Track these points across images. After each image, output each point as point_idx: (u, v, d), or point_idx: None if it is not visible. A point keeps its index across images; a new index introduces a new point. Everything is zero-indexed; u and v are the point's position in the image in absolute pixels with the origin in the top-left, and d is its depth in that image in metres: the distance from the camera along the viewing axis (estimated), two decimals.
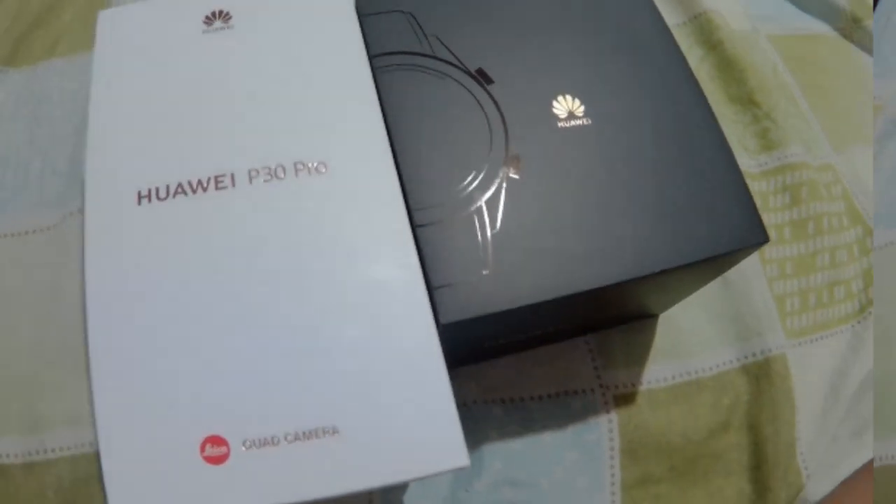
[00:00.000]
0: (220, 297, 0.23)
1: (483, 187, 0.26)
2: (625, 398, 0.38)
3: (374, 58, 0.28)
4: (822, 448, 0.39)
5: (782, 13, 0.56)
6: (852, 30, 0.56)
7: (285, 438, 0.21)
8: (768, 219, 0.44)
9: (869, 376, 0.41)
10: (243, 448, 0.21)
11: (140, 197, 0.24)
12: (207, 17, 0.27)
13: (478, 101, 0.28)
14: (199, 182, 0.24)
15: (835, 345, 0.42)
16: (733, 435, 0.38)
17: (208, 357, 0.22)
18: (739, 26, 0.52)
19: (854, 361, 0.41)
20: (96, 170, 0.25)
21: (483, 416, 0.37)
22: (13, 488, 0.34)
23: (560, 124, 0.28)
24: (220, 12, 0.28)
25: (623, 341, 0.40)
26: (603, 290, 0.26)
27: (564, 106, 0.28)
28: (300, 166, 0.25)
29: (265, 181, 0.24)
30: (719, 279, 0.42)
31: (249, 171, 0.24)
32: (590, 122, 0.28)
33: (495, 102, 0.28)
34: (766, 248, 0.43)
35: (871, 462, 0.38)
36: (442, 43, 0.29)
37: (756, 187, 0.45)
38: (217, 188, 0.24)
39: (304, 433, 0.21)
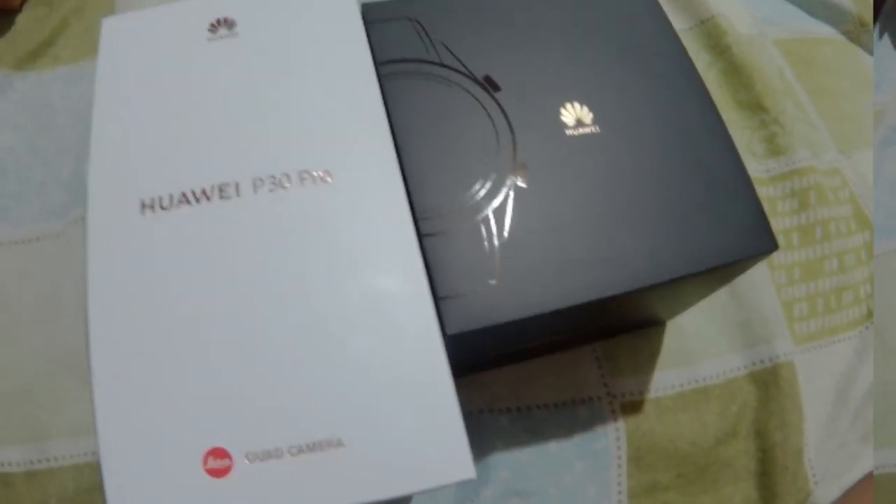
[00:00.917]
0: (223, 308, 0.22)
1: (490, 196, 0.26)
2: (632, 406, 0.38)
3: (381, 65, 0.28)
4: (830, 453, 0.39)
5: (789, 17, 0.56)
6: (859, 33, 0.55)
7: (289, 451, 0.21)
8: (776, 224, 0.44)
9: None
10: (246, 461, 0.21)
11: (143, 206, 0.24)
12: (212, 25, 0.27)
13: (485, 109, 0.28)
14: (203, 191, 0.24)
15: (843, 350, 0.42)
16: (741, 442, 0.38)
17: (211, 368, 0.22)
18: (746, 30, 0.52)
19: (862, 366, 0.41)
20: (99, 178, 0.24)
21: (490, 424, 0.37)
22: (15, 497, 0.34)
23: (568, 132, 0.28)
24: (225, 20, 0.27)
25: (630, 349, 0.39)
26: (610, 300, 0.25)
27: (572, 113, 0.28)
28: (305, 175, 0.24)
29: (270, 190, 0.24)
30: (727, 286, 0.41)
31: (254, 181, 0.24)
32: (598, 129, 0.28)
33: (502, 110, 0.28)
34: (775, 254, 0.43)
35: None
36: (449, 50, 0.29)
37: (764, 192, 0.45)
38: (221, 197, 0.24)
39: (308, 446, 0.21)
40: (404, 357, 0.22)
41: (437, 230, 0.25)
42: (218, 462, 0.21)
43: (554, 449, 0.37)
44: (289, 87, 0.26)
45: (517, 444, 0.37)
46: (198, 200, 0.24)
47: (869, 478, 0.38)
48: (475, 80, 0.28)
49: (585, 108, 0.28)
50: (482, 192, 0.26)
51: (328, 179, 0.24)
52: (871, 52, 0.55)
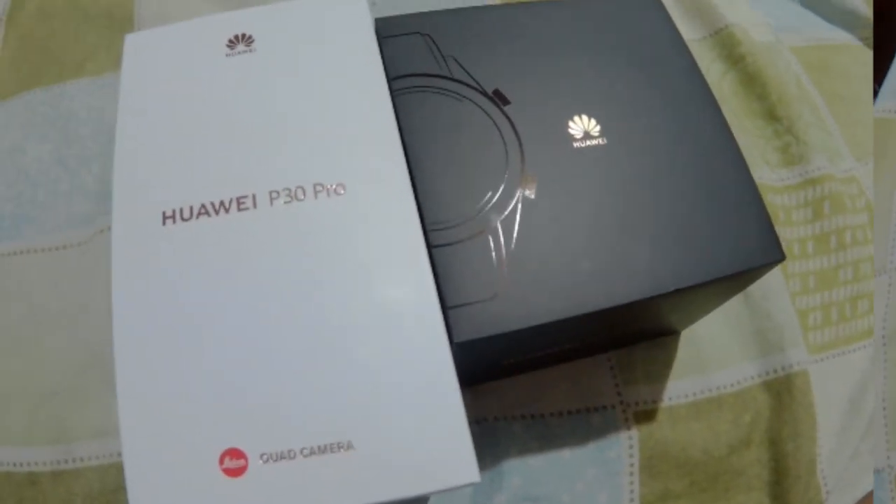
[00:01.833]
0: (240, 315, 0.23)
1: (499, 208, 0.27)
2: (645, 414, 0.38)
3: (393, 80, 0.29)
4: (843, 464, 0.39)
5: (805, 24, 0.56)
6: None
7: (301, 452, 0.22)
8: (791, 233, 0.44)
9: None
10: (261, 461, 0.21)
11: (165, 217, 0.25)
12: (230, 41, 0.28)
13: (494, 122, 0.28)
14: (222, 203, 0.25)
15: (857, 360, 0.42)
16: (754, 451, 0.38)
17: (229, 372, 0.22)
18: (762, 39, 0.52)
19: (876, 377, 0.41)
20: (123, 191, 0.25)
21: (503, 431, 0.38)
22: (41, 496, 0.35)
23: (576, 144, 0.28)
24: (243, 35, 0.28)
25: (644, 358, 0.40)
26: (617, 310, 0.26)
27: (580, 126, 0.29)
28: (319, 188, 0.25)
29: (285, 202, 0.25)
30: (741, 294, 0.42)
31: (270, 193, 0.25)
32: (605, 141, 0.28)
33: (511, 123, 0.28)
34: (789, 263, 0.43)
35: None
36: (459, 64, 0.30)
37: (779, 201, 0.45)
38: (239, 209, 0.25)
39: (319, 448, 0.22)
40: (413, 364, 0.23)
41: (447, 241, 0.26)
42: (234, 462, 0.21)
43: (567, 456, 0.37)
44: (304, 101, 0.27)
45: (530, 450, 0.37)
46: (217, 212, 0.25)
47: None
48: (485, 94, 0.29)
49: (593, 121, 0.29)
50: (491, 204, 0.27)
51: (341, 192, 0.25)
52: None
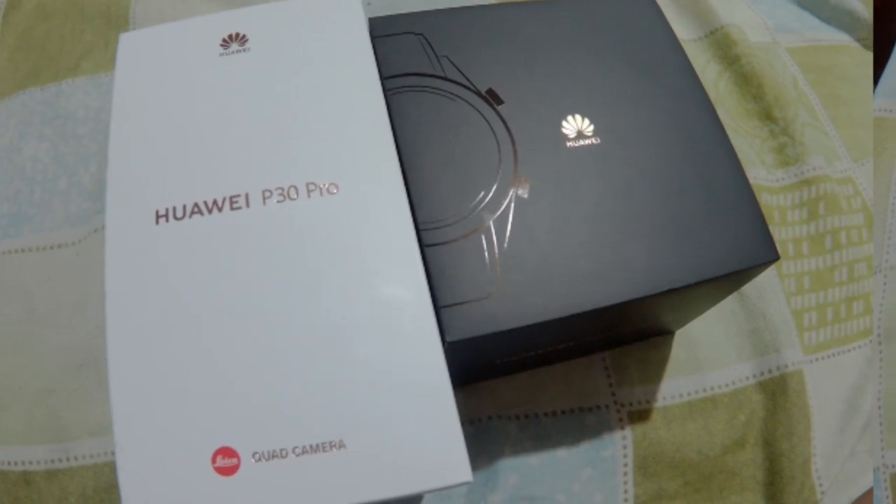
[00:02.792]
0: (233, 315, 0.23)
1: (492, 207, 0.27)
2: (640, 414, 0.38)
3: (387, 79, 0.29)
4: (839, 464, 0.39)
5: (803, 24, 0.56)
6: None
7: (293, 451, 0.22)
8: (787, 233, 0.44)
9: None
10: (253, 460, 0.21)
11: (158, 216, 0.25)
12: (224, 41, 0.28)
13: (487, 122, 0.28)
14: (215, 202, 0.25)
15: (852, 360, 0.42)
16: (748, 451, 0.38)
17: (221, 371, 0.23)
18: (758, 39, 0.52)
19: (872, 377, 0.41)
20: (116, 189, 0.25)
21: (498, 431, 0.38)
22: (36, 495, 0.35)
23: (569, 144, 0.28)
24: (237, 35, 0.28)
25: (639, 358, 0.40)
26: (610, 310, 0.26)
27: (574, 125, 0.29)
28: (312, 187, 0.25)
29: (278, 201, 0.25)
30: (736, 294, 0.42)
31: (263, 192, 0.25)
32: (598, 141, 0.28)
33: (505, 123, 0.28)
34: (785, 263, 0.43)
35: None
36: (453, 64, 0.30)
37: (774, 201, 0.45)
38: (232, 208, 0.25)
39: (311, 447, 0.22)
40: (405, 363, 0.23)
41: (439, 240, 0.26)
42: (226, 461, 0.21)
43: (562, 456, 0.38)
44: (297, 100, 0.27)
45: (525, 450, 0.38)
46: (210, 211, 0.25)
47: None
48: (478, 93, 0.29)
49: (586, 120, 0.29)
50: (484, 203, 0.27)
51: (334, 191, 0.25)
52: None
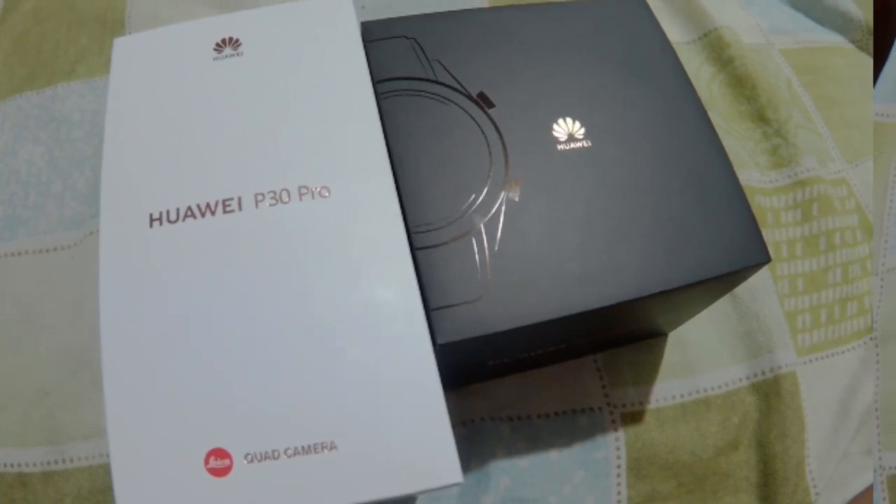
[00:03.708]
0: (226, 317, 0.23)
1: (482, 210, 0.27)
2: (632, 416, 0.38)
3: (379, 83, 0.29)
4: (833, 465, 0.39)
5: (797, 26, 0.56)
6: (868, 41, 0.55)
7: (286, 453, 0.22)
8: (780, 235, 0.44)
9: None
10: (245, 461, 0.22)
11: (152, 220, 0.25)
12: (218, 45, 0.28)
13: (478, 125, 0.29)
14: (208, 205, 0.25)
15: (846, 361, 0.42)
16: (742, 453, 0.38)
17: (214, 373, 0.23)
18: (752, 41, 0.52)
19: (866, 378, 0.41)
20: (110, 193, 0.26)
21: (491, 433, 0.38)
22: (32, 496, 0.35)
23: (560, 147, 0.28)
24: (231, 39, 0.29)
25: (632, 360, 0.40)
26: (602, 312, 0.26)
27: (565, 128, 0.29)
28: (304, 190, 0.25)
29: (270, 205, 0.25)
30: (729, 296, 0.42)
31: (255, 195, 0.25)
32: (589, 144, 0.29)
33: (496, 126, 0.29)
34: (778, 265, 0.43)
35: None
36: (444, 68, 0.30)
37: (767, 203, 0.45)
38: (225, 211, 0.25)
39: (303, 448, 0.22)
40: (396, 365, 0.23)
41: (430, 243, 0.26)
42: (219, 462, 0.22)
43: (554, 457, 0.38)
44: (290, 104, 0.27)
45: (518, 452, 0.38)
46: (203, 214, 0.25)
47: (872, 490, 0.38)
48: (470, 97, 0.29)
49: (577, 123, 0.29)
50: (475, 206, 0.27)
51: (326, 194, 0.25)
52: None
